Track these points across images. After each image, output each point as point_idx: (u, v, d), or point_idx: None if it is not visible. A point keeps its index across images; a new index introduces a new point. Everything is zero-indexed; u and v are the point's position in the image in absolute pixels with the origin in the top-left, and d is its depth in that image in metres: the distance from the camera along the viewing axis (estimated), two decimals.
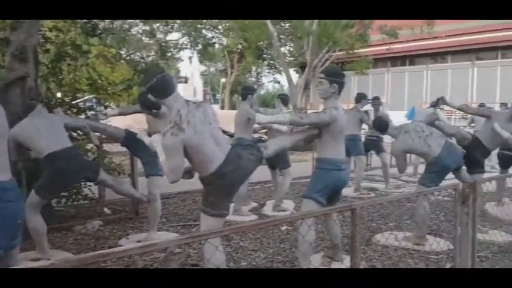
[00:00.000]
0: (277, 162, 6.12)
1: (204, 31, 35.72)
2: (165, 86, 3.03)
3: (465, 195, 2.76)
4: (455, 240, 2.85)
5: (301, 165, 9.73)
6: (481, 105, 12.08)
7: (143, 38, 28.95)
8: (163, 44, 25.20)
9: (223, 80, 44.08)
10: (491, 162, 8.79)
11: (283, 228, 5.27)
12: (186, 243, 3.55)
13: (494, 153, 6.44)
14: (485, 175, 5.42)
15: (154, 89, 3.05)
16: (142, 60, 13.66)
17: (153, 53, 26.60)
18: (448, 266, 3.90)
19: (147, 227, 5.00)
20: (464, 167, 5.14)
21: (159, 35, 32.68)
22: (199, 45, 37.98)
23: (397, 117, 13.30)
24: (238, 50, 28.48)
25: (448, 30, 25.49)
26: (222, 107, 36.95)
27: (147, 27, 25.46)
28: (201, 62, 37.57)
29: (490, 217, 5.95)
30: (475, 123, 10.46)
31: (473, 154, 5.25)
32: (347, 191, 7.59)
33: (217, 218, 3.12)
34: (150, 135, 3.94)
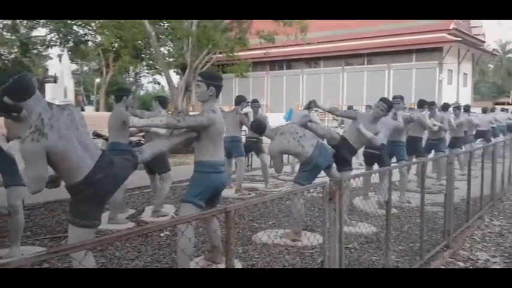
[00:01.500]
0: (156, 166, 5.97)
1: (75, 27, 33.72)
2: (23, 87, 2.75)
3: (332, 192, 2.93)
4: (324, 234, 3.01)
5: (182, 168, 9.62)
6: (350, 107, 13.09)
7: (4, 34, 26.39)
8: (25, 40, 23.16)
9: (97, 80, 42.00)
10: (359, 159, 9.55)
11: (163, 234, 5.15)
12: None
13: (362, 152, 7.01)
14: (353, 172, 5.84)
15: (10, 91, 2.76)
16: (3, 58, 12.40)
17: (16, 50, 24.40)
18: (320, 259, 4.11)
19: (9, 242, 4.53)
20: (334, 165, 5.48)
21: (23, 30, 30.16)
22: (70, 42, 35.74)
23: (276, 119, 13.86)
24: (114, 49, 27.27)
25: (320, 37, 27.17)
26: (97, 109, 35.19)
27: (9, 22, 23.26)
28: (72, 60, 35.38)
29: (357, 211, 6.42)
30: (344, 124, 11.26)
31: (341, 153, 5.64)
32: (228, 192, 7.68)
33: (87, 228, 2.93)
34: (8, 140, 3.57)
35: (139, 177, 7.57)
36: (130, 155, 3.32)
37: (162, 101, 6.32)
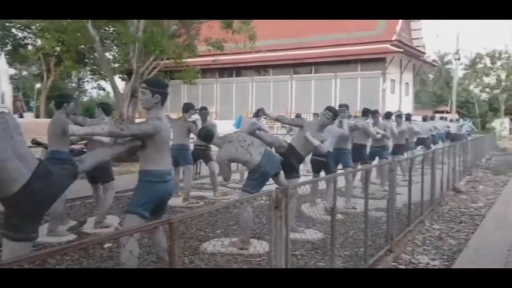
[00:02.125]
0: (99, 175, 5.76)
1: (14, 30, 32.22)
2: None
3: (278, 200, 2.94)
4: (271, 242, 3.01)
5: (128, 177, 9.35)
6: (298, 115, 13.27)
7: None
8: None
9: (38, 85, 40.28)
10: (307, 167, 9.68)
11: (106, 245, 4.97)
12: None
13: (309, 159, 7.11)
14: (301, 179, 5.90)
15: None
16: None
17: None
18: (267, 267, 4.10)
19: None
20: (282, 173, 5.51)
21: None
22: (8, 45, 34.12)
23: (226, 126, 13.83)
24: (56, 53, 26.25)
25: (269, 45, 27.51)
26: (37, 116, 33.71)
27: None
28: (10, 64, 33.73)
29: (305, 217, 6.49)
30: (292, 132, 11.40)
31: (289, 161, 5.69)
32: (176, 201, 7.56)
33: (23, 242, 2.77)
34: None
35: (81, 187, 7.32)
36: (69, 164, 3.18)
37: (106, 108, 6.12)
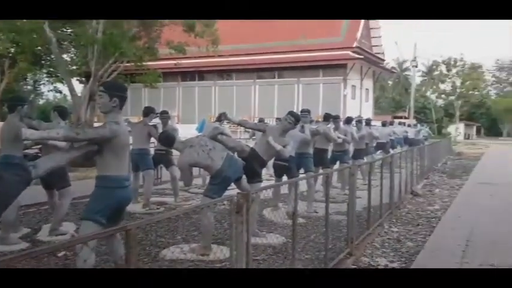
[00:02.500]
0: (54, 181, 5.57)
1: None
2: None
3: (239, 205, 2.91)
4: (232, 248, 2.97)
5: (85, 183, 9.08)
6: (261, 119, 13.31)
7: None
8: None
9: None
10: (270, 171, 9.70)
11: (61, 254, 4.79)
12: None
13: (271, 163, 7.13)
14: (264, 183, 5.90)
15: None
16: None
17: None
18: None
19: None
20: (244, 177, 5.49)
21: None
22: None
23: (188, 130, 13.68)
24: (10, 54, 25.32)
25: (232, 50, 27.51)
26: None
27: None
28: None
29: (267, 222, 6.48)
30: (255, 137, 11.40)
31: (251, 165, 5.67)
32: (136, 207, 7.40)
33: None
34: None
35: (36, 193, 7.05)
36: (23, 169, 3.05)
37: (62, 112, 5.92)
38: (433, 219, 7.50)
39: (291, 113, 6.08)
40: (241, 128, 19.05)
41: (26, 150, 5.76)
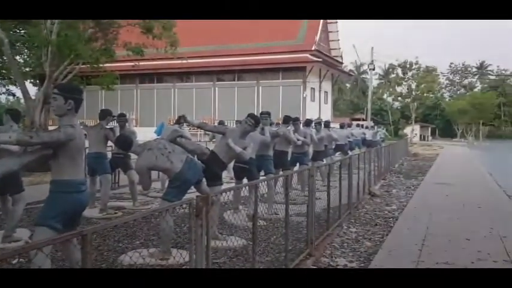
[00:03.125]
0: (7, 186, 5.36)
1: None
2: None
3: (199, 208, 2.89)
4: (191, 251, 2.95)
5: (40, 188, 8.80)
6: (221, 122, 13.27)
7: None
8: None
9: None
10: (230, 174, 9.69)
11: (15, 261, 4.62)
12: None
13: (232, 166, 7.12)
14: (224, 186, 5.88)
15: None
16: None
17: None
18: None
19: None
20: (204, 180, 5.46)
21: None
22: None
23: (147, 133, 13.47)
24: None
25: (191, 52, 27.29)
26: None
27: None
28: None
29: (227, 224, 6.47)
30: (215, 139, 11.36)
31: (212, 168, 5.66)
32: (93, 212, 7.23)
33: None
34: None
35: None
36: None
37: (14, 115, 5.71)
38: (391, 219, 7.70)
39: (250, 116, 6.10)
40: (201, 130, 18.98)
41: None
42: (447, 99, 70.00)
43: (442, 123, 67.17)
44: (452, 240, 6.00)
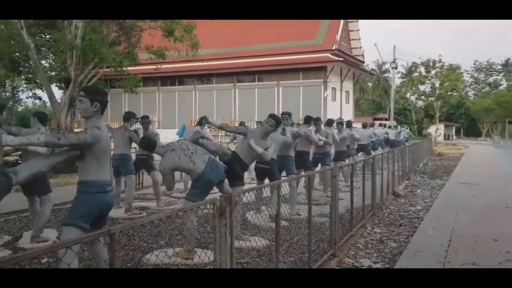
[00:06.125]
0: (35, 187, 5.50)
1: None
2: None
3: (222, 208, 2.92)
4: (215, 251, 2.98)
5: (67, 189, 9.00)
6: (241, 123, 13.31)
7: None
8: None
9: None
10: (252, 174, 9.71)
11: (44, 260, 4.74)
12: None
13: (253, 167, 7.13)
14: (246, 187, 5.91)
15: None
16: None
17: None
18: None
19: None
20: (226, 181, 5.49)
21: None
22: None
23: (169, 135, 13.61)
24: None
25: (211, 54, 27.52)
26: None
27: None
28: None
29: (250, 225, 6.50)
30: (236, 140, 11.40)
31: (233, 168, 5.69)
32: (118, 213, 7.35)
33: None
34: None
35: (16, 200, 6.96)
36: (3, 176, 3.01)
37: (41, 118, 5.85)
38: (415, 219, 7.60)
39: (271, 116, 6.11)
40: (222, 131, 19.07)
41: (6, 157, 5.67)
42: (472, 98, 68.64)
43: (467, 122, 65.95)
44: (479, 241, 5.89)
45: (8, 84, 35.89)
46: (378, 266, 5.09)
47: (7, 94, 40.04)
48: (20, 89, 39.63)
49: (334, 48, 29.80)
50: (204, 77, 32.90)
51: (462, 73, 62.16)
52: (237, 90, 32.23)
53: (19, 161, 6.25)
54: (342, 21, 31.02)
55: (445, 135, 57.80)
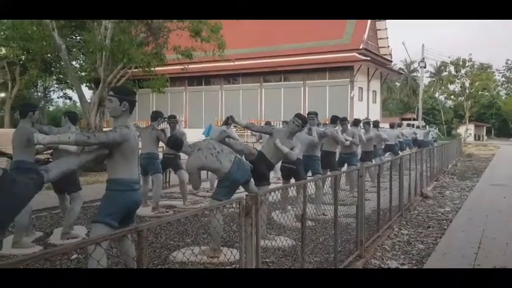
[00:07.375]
0: (65, 185, 5.63)
1: None
2: None
3: (248, 208, 2.93)
4: (241, 250, 2.99)
5: (96, 187, 9.19)
6: (267, 123, 13.33)
7: None
8: None
9: (2, 94, 39.25)
10: (277, 174, 9.71)
11: (74, 257, 4.85)
12: None
13: (279, 166, 7.13)
14: (271, 186, 5.91)
15: None
16: None
17: None
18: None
19: None
20: (252, 180, 5.51)
21: None
22: None
23: (195, 135, 13.74)
24: (21, 62, 25.68)
25: (238, 54, 27.59)
26: (1, 125, 32.84)
27: None
28: None
29: (275, 224, 6.49)
30: (262, 140, 11.42)
31: (259, 168, 5.69)
32: (145, 211, 7.45)
33: None
34: None
35: (47, 197, 7.14)
36: (35, 173, 3.09)
37: (72, 117, 6.00)
38: (444, 221, 7.46)
39: (298, 116, 6.09)
40: (248, 131, 19.11)
41: (38, 155, 5.83)
42: (503, 98, 66.76)
43: (498, 123, 64.18)
44: (511, 244, 5.74)
45: (40, 84, 36.91)
46: (405, 267, 5.02)
47: (39, 94, 41.14)
48: (51, 89, 40.72)
49: (361, 47, 29.50)
50: (231, 76, 33.03)
51: (493, 72, 60.50)
52: (263, 90, 32.25)
53: (50, 159, 6.43)
54: (369, 20, 30.67)
55: (475, 135, 56.39)
